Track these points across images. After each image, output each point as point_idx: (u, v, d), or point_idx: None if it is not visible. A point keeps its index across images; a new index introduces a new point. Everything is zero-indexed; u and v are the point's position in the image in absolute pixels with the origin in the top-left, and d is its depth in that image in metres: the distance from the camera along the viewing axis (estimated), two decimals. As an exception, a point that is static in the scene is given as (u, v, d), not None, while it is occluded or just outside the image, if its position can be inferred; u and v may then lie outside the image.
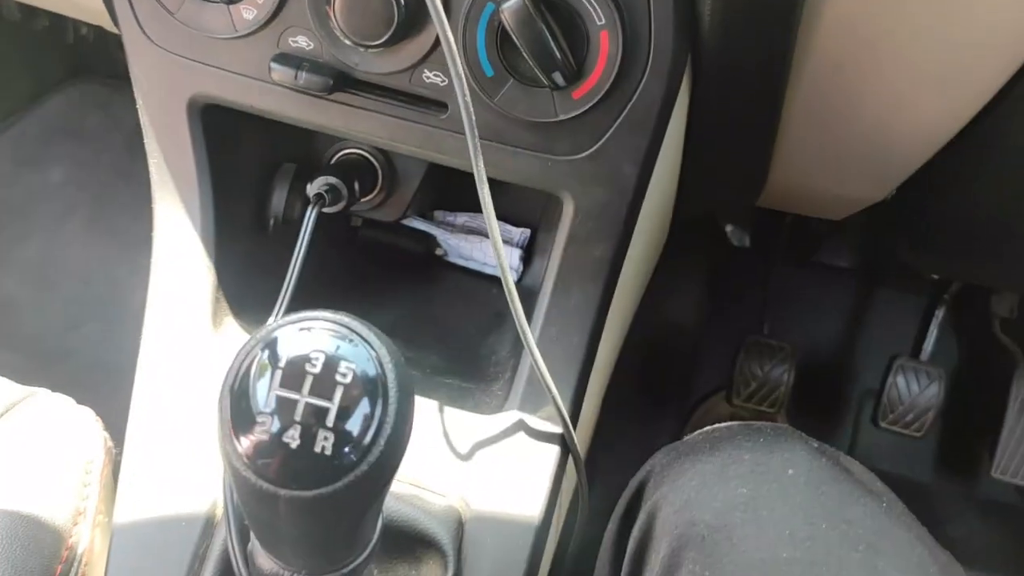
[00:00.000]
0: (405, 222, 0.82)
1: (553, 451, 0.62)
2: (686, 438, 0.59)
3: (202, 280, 0.66)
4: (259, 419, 0.37)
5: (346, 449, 0.37)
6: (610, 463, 0.65)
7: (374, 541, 0.47)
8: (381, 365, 0.39)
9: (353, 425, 0.37)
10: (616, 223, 0.61)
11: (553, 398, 0.59)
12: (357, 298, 0.77)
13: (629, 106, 0.56)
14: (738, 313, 1.40)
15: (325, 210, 0.66)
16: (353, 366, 0.38)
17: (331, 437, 0.37)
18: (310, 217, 0.65)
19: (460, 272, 0.83)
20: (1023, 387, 1.32)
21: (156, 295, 0.65)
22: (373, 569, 0.55)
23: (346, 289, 0.78)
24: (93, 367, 1.26)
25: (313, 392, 0.37)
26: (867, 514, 0.49)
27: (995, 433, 1.35)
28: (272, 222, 0.71)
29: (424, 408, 0.63)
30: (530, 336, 0.56)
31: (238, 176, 0.68)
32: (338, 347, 0.38)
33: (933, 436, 1.40)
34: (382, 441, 0.38)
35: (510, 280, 0.55)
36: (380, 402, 0.38)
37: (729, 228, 1.54)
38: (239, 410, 0.37)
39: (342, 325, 0.39)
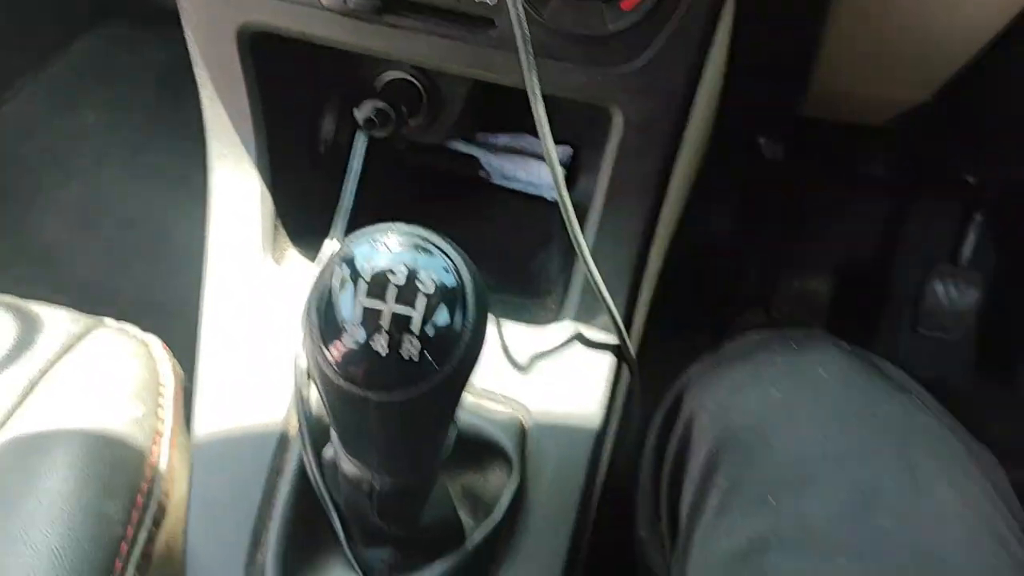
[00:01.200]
0: (449, 145, 0.83)
1: (608, 359, 0.64)
2: (722, 348, 0.60)
3: (260, 208, 0.67)
4: (347, 328, 0.39)
5: (430, 354, 0.39)
6: (652, 374, 0.67)
7: (447, 447, 0.49)
8: (459, 274, 0.40)
9: (436, 332, 0.39)
10: (665, 135, 0.61)
11: (608, 308, 0.60)
12: (406, 221, 0.79)
13: (678, 15, 0.56)
14: (775, 225, 1.40)
15: (374, 133, 0.67)
16: (433, 275, 0.39)
17: (416, 343, 0.39)
18: (361, 142, 0.66)
19: (506, 193, 0.84)
20: (1061, 288, 1.32)
21: (217, 224, 0.67)
22: (443, 477, 0.57)
23: (395, 213, 0.79)
24: (141, 306, 1.29)
25: (399, 301, 0.39)
26: (898, 408, 0.51)
27: (1033, 335, 1.35)
28: (323, 149, 0.72)
29: (483, 323, 0.65)
30: (584, 247, 0.57)
31: (289, 105, 0.69)
32: (417, 258, 0.40)
33: (972, 340, 1.40)
34: (463, 346, 0.40)
35: (565, 193, 0.56)
36: (460, 309, 0.40)
37: (763, 140, 1.54)
38: (327, 321, 0.39)
39: (419, 236, 0.41)
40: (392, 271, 0.39)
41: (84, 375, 0.65)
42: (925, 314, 1.31)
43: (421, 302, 0.39)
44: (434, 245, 0.41)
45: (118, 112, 1.54)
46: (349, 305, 0.39)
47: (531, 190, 0.83)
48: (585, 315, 0.65)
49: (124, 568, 0.57)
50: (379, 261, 0.39)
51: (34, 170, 1.47)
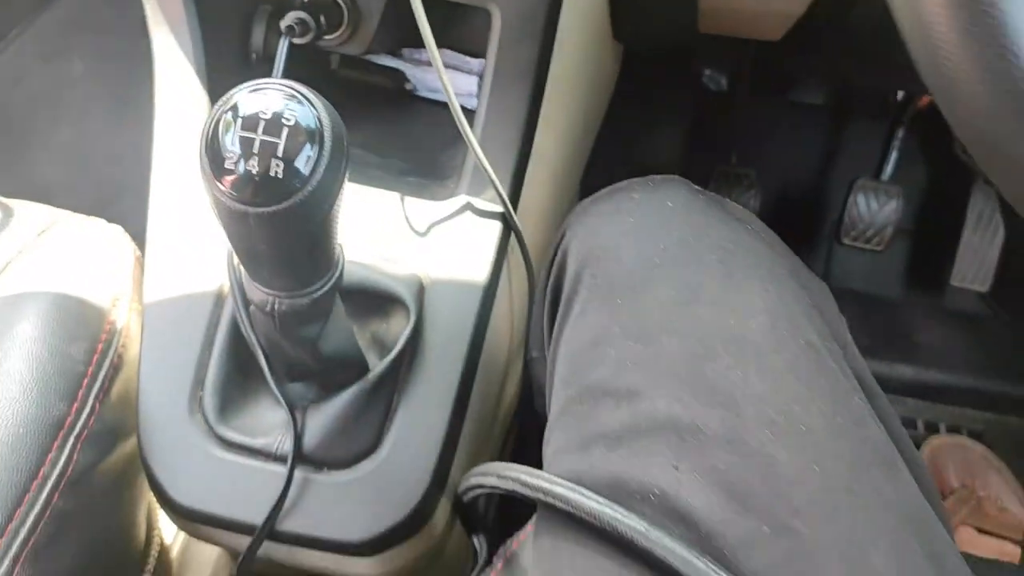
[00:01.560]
0: (376, 59, 0.93)
1: (496, 226, 0.75)
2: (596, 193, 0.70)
3: (200, 107, 0.78)
4: (228, 155, 0.49)
5: (293, 176, 0.50)
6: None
7: (334, 275, 0.60)
8: (320, 116, 0.51)
9: (297, 157, 0.50)
10: (538, 25, 0.72)
11: (491, 180, 0.71)
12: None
13: None
14: (712, 147, 1.50)
15: (294, 40, 0.78)
16: (297, 114, 0.50)
17: (281, 164, 0.49)
18: (283, 47, 0.77)
19: (429, 103, 0.95)
20: (979, 200, 1.42)
21: (162, 120, 0.78)
22: (351, 323, 0.68)
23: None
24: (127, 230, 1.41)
25: (266, 132, 0.49)
26: (728, 231, 0.61)
27: (954, 245, 1.45)
28: (254, 57, 0.83)
29: (388, 199, 0.76)
30: (465, 123, 0.68)
31: (223, 18, 0.80)
32: (286, 102, 0.51)
33: (899, 253, 1.51)
34: (320, 171, 0.50)
35: (447, 80, 0.66)
36: (318, 141, 0.50)
37: (707, 72, 1.64)
38: (214, 153, 0.50)
39: (291, 88, 0.52)
40: (263, 111, 0.50)
41: (53, 253, 0.77)
42: (848, 226, 1.41)
43: (284, 132, 0.49)
44: (303, 95, 0.52)
45: (103, 62, 1.65)
46: (230, 138, 0.50)
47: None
48: (477, 190, 0.76)
49: (85, 397, 0.69)
50: (255, 105, 0.50)
51: (26, 115, 1.58)
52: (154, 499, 0.88)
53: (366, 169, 0.82)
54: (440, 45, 0.95)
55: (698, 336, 0.55)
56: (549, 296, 0.67)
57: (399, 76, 0.94)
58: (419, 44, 0.96)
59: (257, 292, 0.59)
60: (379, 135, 0.89)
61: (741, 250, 0.60)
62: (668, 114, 1.54)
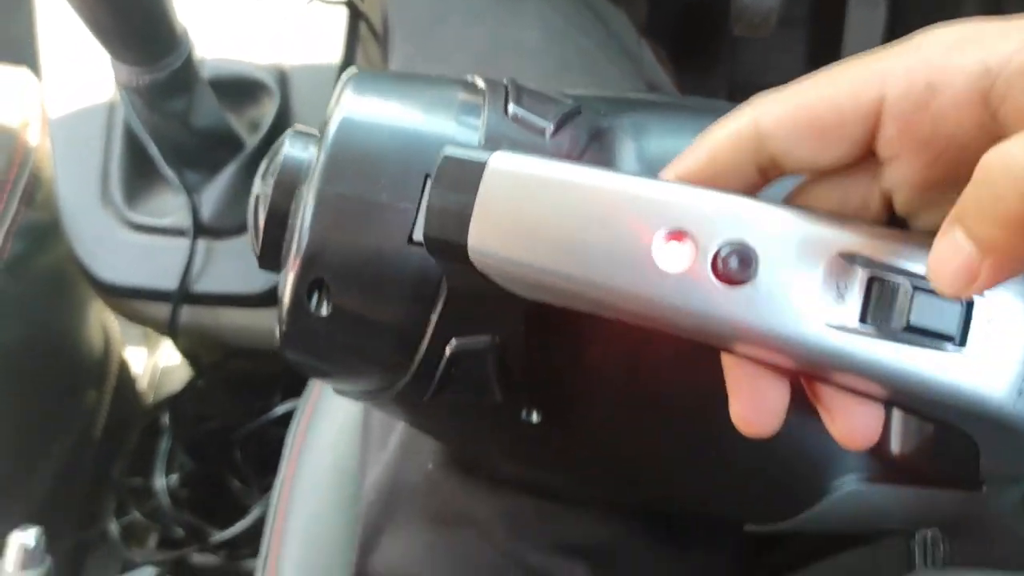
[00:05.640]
0: None
1: (343, 12, 0.85)
2: None
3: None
4: None
5: None
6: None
7: (184, 52, 0.70)
8: None
9: None
10: None
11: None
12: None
13: None
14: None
15: None
16: None
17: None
18: None
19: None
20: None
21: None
22: (218, 103, 0.79)
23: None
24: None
25: None
26: None
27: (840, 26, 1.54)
28: None
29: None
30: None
31: None
32: None
33: (794, 40, 1.59)
34: None
35: None
36: None
37: None
38: None
39: None
40: None
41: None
42: (735, 18, 1.49)
43: None
44: None
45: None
46: None
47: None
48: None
49: (9, 201, 0.81)
50: None
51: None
52: (109, 316, 1.02)
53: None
54: None
55: (484, 49, 0.66)
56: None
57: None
58: None
59: (122, 70, 0.70)
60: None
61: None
62: None
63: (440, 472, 0.48)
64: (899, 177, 0.28)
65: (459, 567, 0.46)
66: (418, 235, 0.33)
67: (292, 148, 0.38)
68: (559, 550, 0.45)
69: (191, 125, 0.76)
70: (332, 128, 0.35)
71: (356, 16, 0.86)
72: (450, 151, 0.30)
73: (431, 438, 0.48)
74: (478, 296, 0.32)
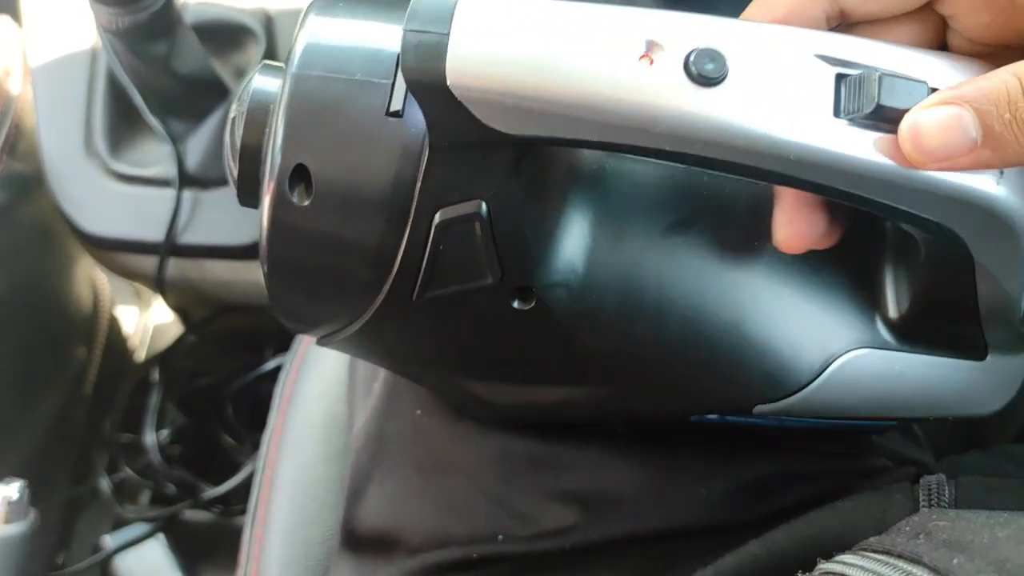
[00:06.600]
0: None
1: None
2: None
3: None
4: None
5: None
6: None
7: None
8: None
9: None
10: None
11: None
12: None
13: None
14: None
15: None
16: None
17: None
18: None
19: None
20: None
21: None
22: (202, 48, 0.76)
23: None
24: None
25: None
26: None
27: None
28: None
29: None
30: None
31: None
32: None
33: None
34: None
35: None
36: None
37: None
38: None
39: None
40: None
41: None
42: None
43: None
44: None
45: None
46: None
47: None
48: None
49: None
50: None
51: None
52: (99, 273, 1.00)
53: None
54: None
55: None
56: None
57: None
58: None
59: (101, 12, 0.68)
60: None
61: None
62: None
63: (427, 418, 0.47)
64: (961, 26, 0.30)
65: (448, 513, 0.45)
66: (396, 106, 0.33)
67: (263, 77, 0.37)
68: (550, 495, 0.43)
69: (174, 71, 0.74)
70: (305, 21, 0.35)
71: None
72: None
73: (414, 383, 0.47)
74: (462, 154, 0.32)
